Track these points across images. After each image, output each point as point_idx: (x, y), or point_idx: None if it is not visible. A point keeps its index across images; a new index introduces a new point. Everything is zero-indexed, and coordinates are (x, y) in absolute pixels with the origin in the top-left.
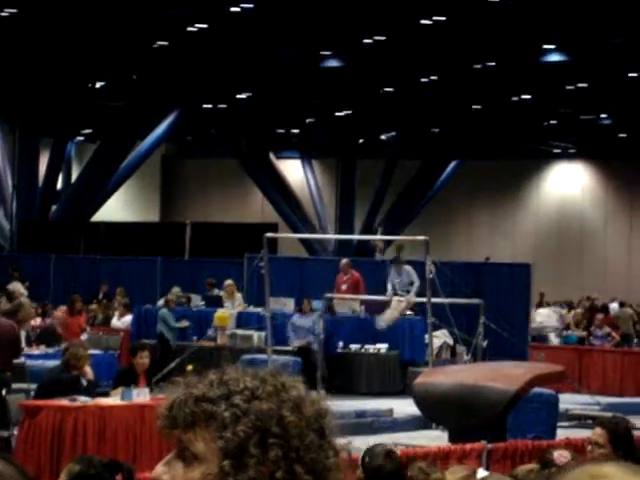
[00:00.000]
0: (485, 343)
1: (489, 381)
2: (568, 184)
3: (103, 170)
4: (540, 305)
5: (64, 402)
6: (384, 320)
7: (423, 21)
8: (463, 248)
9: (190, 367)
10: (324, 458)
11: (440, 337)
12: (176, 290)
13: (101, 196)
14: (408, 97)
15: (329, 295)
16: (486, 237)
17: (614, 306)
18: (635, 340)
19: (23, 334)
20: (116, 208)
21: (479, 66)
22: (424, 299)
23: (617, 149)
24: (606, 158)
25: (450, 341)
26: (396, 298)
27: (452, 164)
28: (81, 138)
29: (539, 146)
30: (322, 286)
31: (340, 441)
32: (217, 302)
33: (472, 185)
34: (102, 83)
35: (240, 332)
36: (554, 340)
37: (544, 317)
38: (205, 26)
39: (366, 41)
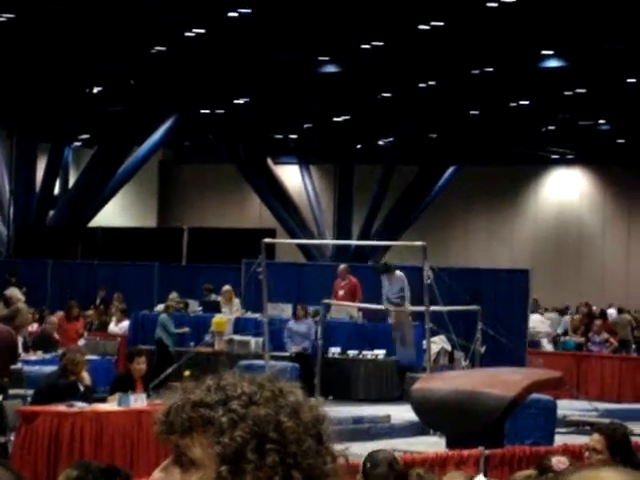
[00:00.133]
0: (483, 349)
1: (487, 387)
2: (566, 190)
3: (100, 175)
4: (534, 311)
5: (61, 408)
6: (407, 349)
7: (421, 26)
8: (461, 254)
9: (187, 373)
10: (321, 464)
11: (438, 343)
12: (174, 296)
13: (98, 201)
14: (406, 102)
15: (326, 301)
16: (484, 243)
17: (611, 312)
18: (633, 346)
19: (20, 340)
20: (113, 213)
21: (477, 71)
22: (422, 308)
23: (615, 155)
24: (604, 164)
25: (448, 347)
26: (393, 311)
27: (450, 169)
28: (78, 143)
29: (537, 152)
30: (320, 292)
31: (338, 447)
32: (215, 307)
33: (470, 191)
34: (99, 88)
35: (237, 338)
36: (546, 346)
37: (536, 323)
38: (203, 31)
39: (364, 46)
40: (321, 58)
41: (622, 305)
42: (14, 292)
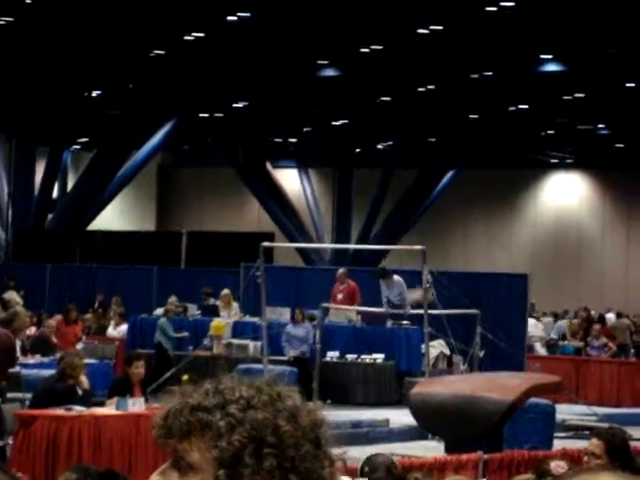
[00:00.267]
0: (482, 353)
1: (485, 391)
2: (565, 194)
3: (99, 179)
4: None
5: (59, 411)
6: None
7: (420, 30)
8: (460, 258)
9: (185, 377)
10: (319, 468)
11: (437, 347)
12: (173, 300)
13: (97, 205)
14: (405, 106)
15: (325, 305)
16: (483, 247)
17: (610, 316)
18: (632, 351)
19: (18, 343)
20: (112, 217)
21: (476, 76)
22: (421, 310)
23: (614, 159)
24: (603, 168)
25: (447, 351)
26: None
27: (449, 174)
28: (77, 147)
29: (536, 156)
30: (319, 296)
31: (336, 451)
32: (213, 311)
33: (469, 195)
34: (98, 92)
35: (236, 342)
36: (539, 350)
37: (530, 327)
38: (202, 35)
39: (363, 50)
40: (320, 62)
41: (621, 309)
42: (12, 295)
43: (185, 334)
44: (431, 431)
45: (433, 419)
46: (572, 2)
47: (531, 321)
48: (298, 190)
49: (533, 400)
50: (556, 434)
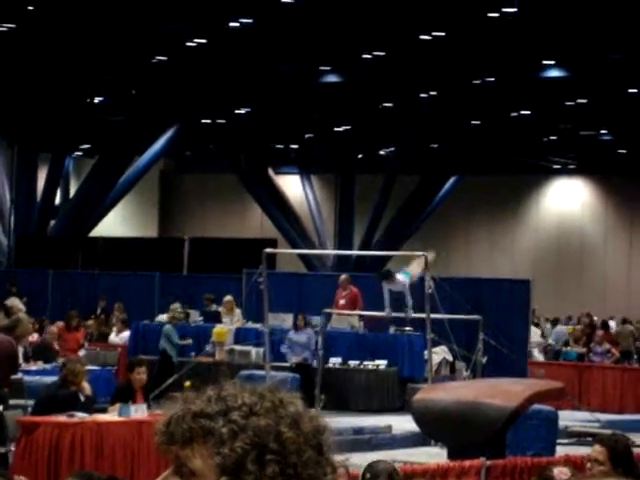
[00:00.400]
0: (484, 359)
1: (488, 398)
2: (568, 200)
3: (101, 185)
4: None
5: (61, 418)
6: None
7: (422, 36)
8: (462, 264)
9: (187, 383)
10: (322, 475)
11: (439, 353)
12: (175, 306)
13: (99, 211)
14: (407, 112)
15: (327, 310)
16: (485, 253)
17: (612, 324)
18: (635, 357)
19: (21, 350)
20: (114, 223)
21: (478, 81)
22: (423, 315)
23: (617, 165)
24: (606, 174)
25: (449, 357)
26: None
27: (451, 179)
28: (79, 153)
29: (538, 162)
30: (321, 302)
31: (338, 458)
32: (216, 318)
33: (471, 200)
34: (101, 98)
35: (238, 348)
36: (537, 356)
37: None
38: (204, 41)
39: (365, 56)
40: (322, 68)
41: (624, 315)
42: (15, 302)
43: (189, 342)
44: (434, 437)
45: (436, 425)
46: (574, 8)
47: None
48: (300, 196)
49: (536, 406)
50: (559, 440)
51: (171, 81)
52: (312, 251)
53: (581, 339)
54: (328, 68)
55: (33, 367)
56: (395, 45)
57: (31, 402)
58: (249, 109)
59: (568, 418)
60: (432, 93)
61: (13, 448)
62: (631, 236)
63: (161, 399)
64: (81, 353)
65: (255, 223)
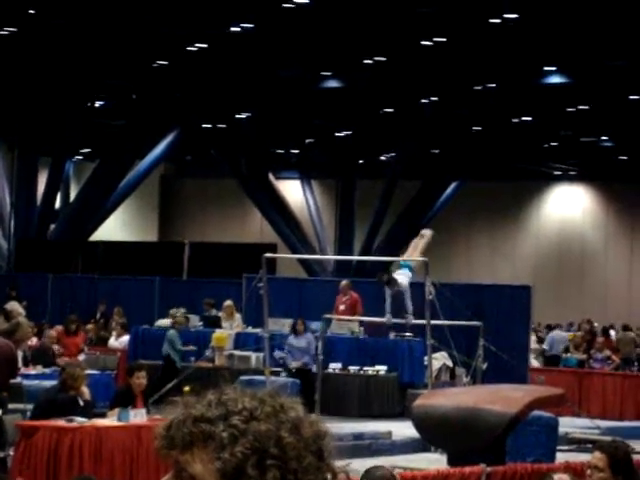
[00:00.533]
0: (485, 365)
1: (488, 404)
2: (569, 206)
3: (102, 189)
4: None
5: (61, 422)
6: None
7: (423, 42)
8: (463, 269)
9: (187, 388)
10: None
11: (439, 359)
12: (174, 311)
13: (99, 215)
14: (408, 118)
15: (328, 316)
16: (486, 259)
17: (612, 333)
18: (636, 364)
19: (20, 354)
20: (114, 227)
21: (479, 87)
22: (423, 321)
23: (618, 171)
24: (607, 180)
25: (449, 363)
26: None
27: (452, 185)
28: (80, 157)
29: (539, 168)
30: (321, 307)
31: (338, 463)
32: (215, 322)
33: (472, 206)
34: (101, 102)
35: (238, 353)
36: (533, 362)
37: None
38: (205, 46)
39: (366, 62)
40: (323, 73)
41: (624, 322)
42: (15, 306)
43: (192, 348)
44: (434, 443)
45: (436, 431)
46: (576, 14)
47: None
48: (301, 201)
49: (536, 413)
50: (559, 447)
51: (172, 86)
52: (312, 256)
53: (581, 346)
54: (329, 73)
55: (32, 371)
56: (396, 50)
57: (30, 406)
58: (250, 114)
59: (568, 425)
60: (433, 98)
61: (12, 452)
62: (632, 242)
63: (161, 404)
64: (80, 357)
65: (255, 228)
